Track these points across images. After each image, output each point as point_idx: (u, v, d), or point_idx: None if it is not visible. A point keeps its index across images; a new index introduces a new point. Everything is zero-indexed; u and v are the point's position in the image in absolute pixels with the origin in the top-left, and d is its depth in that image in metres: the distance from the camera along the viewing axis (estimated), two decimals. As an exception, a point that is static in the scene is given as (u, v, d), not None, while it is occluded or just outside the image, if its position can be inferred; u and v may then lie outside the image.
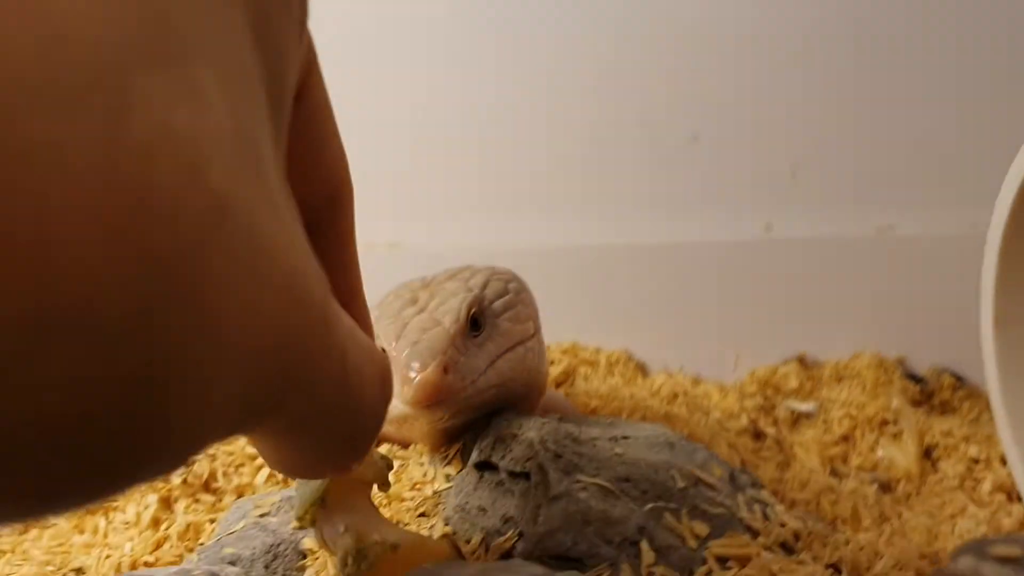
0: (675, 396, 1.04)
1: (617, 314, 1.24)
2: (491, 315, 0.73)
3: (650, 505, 0.58)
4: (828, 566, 0.58)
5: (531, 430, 0.66)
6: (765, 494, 0.66)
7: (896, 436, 1.05)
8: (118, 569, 0.79)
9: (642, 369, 1.23)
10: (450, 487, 0.76)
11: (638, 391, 1.05)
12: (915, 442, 1.01)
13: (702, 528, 0.58)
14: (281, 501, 0.74)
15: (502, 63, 1.25)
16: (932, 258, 1.16)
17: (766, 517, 0.61)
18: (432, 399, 0.65)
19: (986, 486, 0.95)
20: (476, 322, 0.71)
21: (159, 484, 0.83)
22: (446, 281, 0.76)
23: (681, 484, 0.61)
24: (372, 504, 0.62)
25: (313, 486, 0.57)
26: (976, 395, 1.15)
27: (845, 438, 1.08)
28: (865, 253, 1.17)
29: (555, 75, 1.23)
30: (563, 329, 1.24)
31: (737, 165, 1.20)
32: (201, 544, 0.81)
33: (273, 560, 0.66)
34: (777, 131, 1.18)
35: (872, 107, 1.16)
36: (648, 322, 1.23)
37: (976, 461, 0.99)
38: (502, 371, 0.73)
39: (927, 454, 1.02)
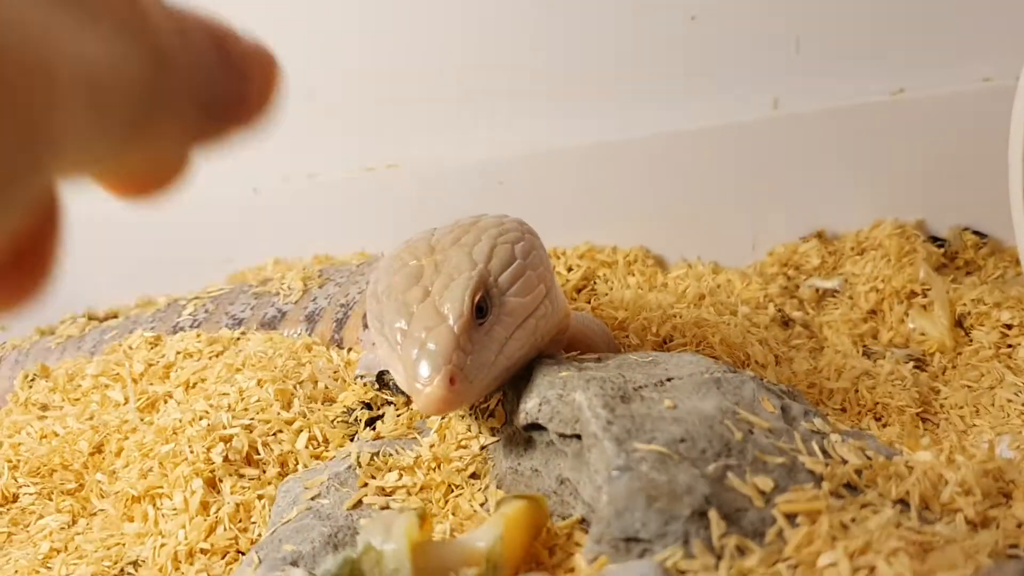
0: (701, 297, 1.03)
1: (630, 211, 1.21)
2: (497, 294, 0.71)
3: (711, 466, 0.57)
4: (896, 502, 0.58)
5: (576, 390, 0.65)
6: (819, 422, 0.65)
7: (926, 307, 1.03)
8: (175, 559, 0.79)
9: (661, 264, 1.21)
10: (496, 441, 0.75)
11: (663, 296, 1.03)
12: (946, 313, 1.00)
13: (766, 483, 0.57)
14: (329, 479, 0.74)
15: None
16: (945, 117, 1.12)
17: (826, 454, 0.60)
18: (441, 411, 0.67)
19: (1022, 352, 0.94)
20: (481, 308, 0.69)
21: (201, 466, 0.83)
22: (451, 247, 0.74)
23: (738, 435, 0.60)
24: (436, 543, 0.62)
25: None
26: (1000, 250, 1.14)
27: (873, 312, 1.07)
28: (876, 119, 1.13)
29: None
30: (576, 232, 1.21)
31: (738, 43, 1.14)
32: (253, 523, 0.81)
33: (334, 551, 0.66)
34: (777, 3, 1.12)
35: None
36: (662, 215, 1.21)
37: (1009, 327, 0.98)
38: (512, 353, 0.71)
39: (959, 323, 1.01)
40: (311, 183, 1.27)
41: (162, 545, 0.80)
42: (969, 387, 0.92)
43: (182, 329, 1.11)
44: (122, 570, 0.80)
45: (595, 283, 1.16)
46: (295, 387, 0.91)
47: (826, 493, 0.56)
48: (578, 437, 0.65)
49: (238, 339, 1.06)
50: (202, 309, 1.13)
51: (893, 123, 1.13)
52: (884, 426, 0.88)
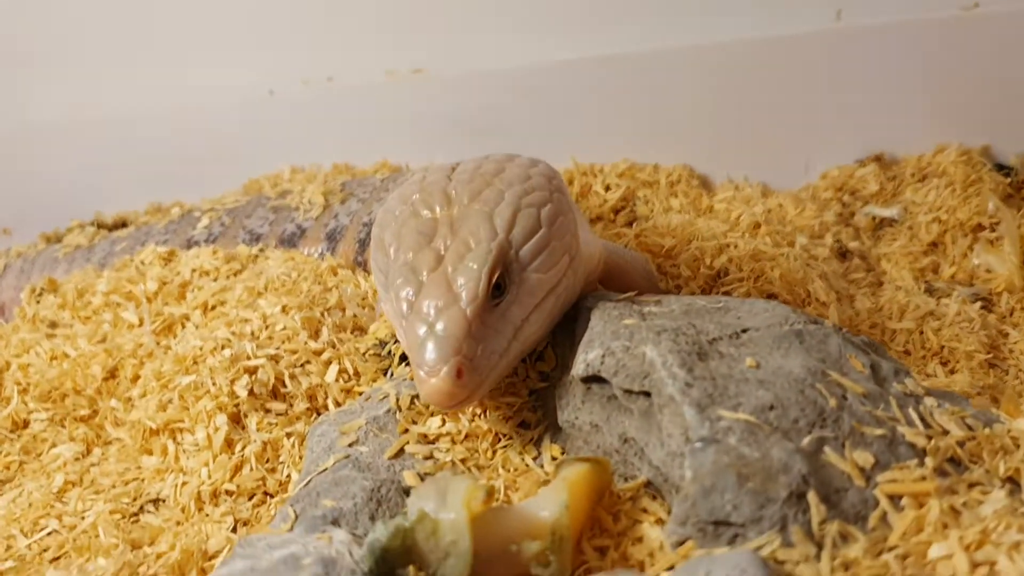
0: (756, 226, 0.96)
1: (674, 126, 1.13)
2: (517, 270, 0.63)
3: (806, 439, 0.51)
4: (1006, 480, 0.52)
5: (647, 343, 0.59)
6: (910, 382, 0.59)
7: (993, 242, 0.97)
8: (198, 498, 0.74)
9: (705, 184, 1.14)
10: (546, 386, 0.70)
11: (714, 223, 0.96)
12: (1016, 249, 0.94)
13: (867, 458, 0.51)
14: (367, 424, 0.68)
15: None
16: (1019, 33, 1.03)
17: (925, 423, 0.55)
18: (445, 405, 0.60)
19: (1100, 294, 0.88)
20: (499, 286, 0.62)
21: (224, 400, 0.77)
22: (470, 202, 0.66)
23: (832, 402, 0.54)
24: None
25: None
26: (1072, 179, 1.06)
27: (934, 245, 1.00)
28: (946, 35, 1.05)
29: None
30: (616, 148, 1.13)
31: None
32: (282, 463, 0.76)
33: (377, 508, 0.60)
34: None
35: None
36: (709, 132, 1.13)
37: (1086, 265, 0.92)
38: (528, 337, 0.64)
39: (1028, 260, 0.95)
40: (330, 87, 1.19)
41: (184, 484, 0.75)
42: None
43: (196, 244, 1.05)
44: (142, 508, 0.76)
45: (635, 204, 1.09)
46: (322, 315, 0.86)
47: (932, 473, 0.51)
48: (646, 394, 0.59)
49: (256, 257, 1.00)
50: (217, 222, 1.06)
51: (964, 40, 1.05)
52: (951, 372, 0.82)
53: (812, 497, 0.48)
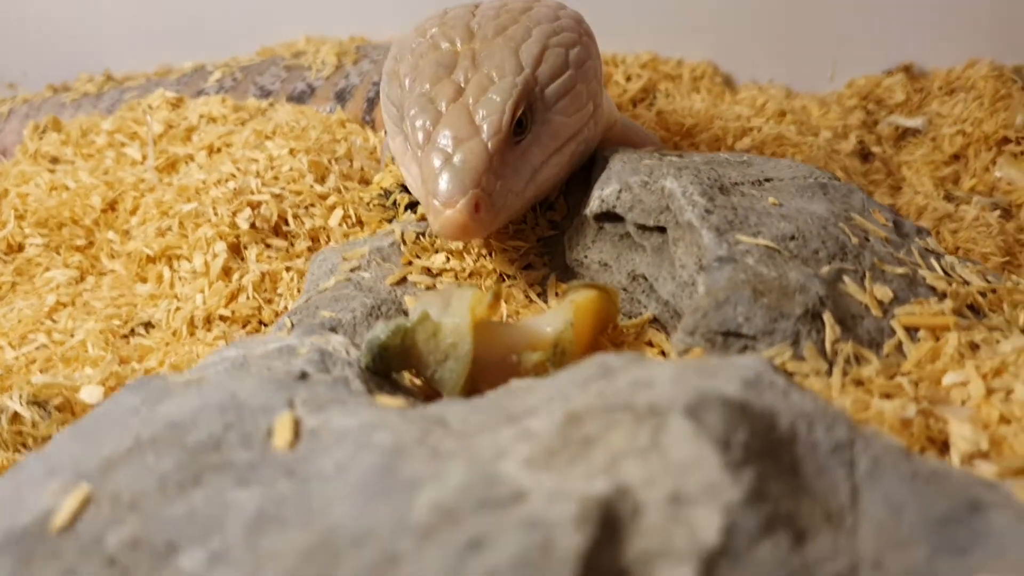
0: (782, 114, 0.94)
1: (700, 21, 1.10)
2: (542, 109, 0.61)
3: (826, 268, 0.50)
4: (1024, 331, 0.51)
5: (667, 177, 0.57)
6: (932, 242, 0.58)
7: (1017, 156, 0.95)
8: (191, 323, 0.72)
9: (728, 83, 1.11)
10: (556, 233, 0.68)
11: (740, 108, 0.94)
12: (1042, 162, 0.92)
13: (885, 293, 0.50)
14: (371, 253, 0.67)
15: None
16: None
17: (947, 273, 0.53)
18: (458, 238, 0.58)
19: (1123, 211, 0.87)
20: (521, 123, 0.59)
21: (225, 229, 0.76)
22: (494, 36, 0.63)
23: (854, 240, 0.52)
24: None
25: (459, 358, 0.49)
26: (1104, 106, 1.04)
27: (956, 157, 0.98)
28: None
29: None
30: (641, 38, 1.11)
31: None
32: (279, 294, 0.74)
33: (376, 322, 0.59)
34: None
35: None
36: (735, 29, 1.10)
37: (1106, 183, 0.90)
38: (545, 181, 0.62)
39: (1053, 175, 0.93)
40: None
41: (177, 309, 0.74)
42: None
43: (207, 95, 1.03)
44: (132, 330, 0.74)
45: (655, 97, 1.06)
46: (330, 162, 0.84)
47: (951, 311, 0.49)
48: (660, 230, 0.57)
49: (266, 109, 0.98)
50: (229, 77, 1.04)
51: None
52: (966, 274, 0.81)
53: (828, 317, 0.47)
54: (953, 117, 1.00)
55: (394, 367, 0.50)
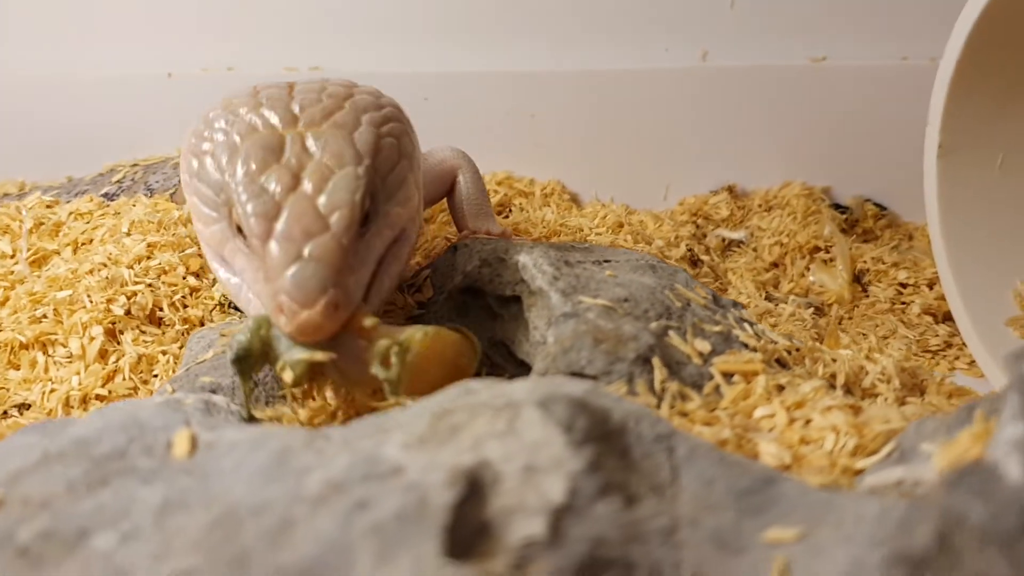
0: (620, 225, 1.04)
1: (550, 144, 1.22)
2: (382, 200, 0.59)
3: (654, 324, 0.58)
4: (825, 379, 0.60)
5: (521, 253, 0.65)
6: (747, 313, 0.67)
7: (827, 262, 1.08)
8: (67, 403, 0.75)
9: (575, 200, 1.22)
10: (423, 314, 0.74)
11: (583, 220, 1.04)
12: (847, 267, 1.05)
13: (704, 345, 0.58)
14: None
15: None
16: (861, 89, 1.17)
17: (758, 335, 0.62)
18: (314, 338, 0.52)
19: (915, 309, 0.99)
20: (367, 215, 0.57)
21: (101, 316, 0.79)
22: (322, 123, 0.60)
23: (678, 304, 0.61)
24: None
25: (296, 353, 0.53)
26: (896, 224, 1.19)
27: (775, 265, 1.10)
28: (797, 83, 1.17)
29: None
30: (497, 159, 1.21)
31: (677, -10, 1.17)
32: (156, 376, 0.78)
33: (254, 388, 0.63)
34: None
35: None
36: (580, 152, 1.22)
37: (905, 286, 1.03)
38: (395, 273, 0.62)
39: (857, 279, 1.06)
40: (230, 75, 1.23)
41: (52, 391, 0.76)
42: (864, 335, 0.96)
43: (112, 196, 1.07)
44: (5, 412, 0.76)
45: (510, 210, 1.16)
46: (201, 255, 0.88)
47: (761, 360, 0.58)
48: (516, 299, 0.64)
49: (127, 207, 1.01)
50: (129, 178, 1.08)
51: (812, 89, 1.18)
52: (784, 360, 0.91)
53: (656, 361, 0.55)
54: (771, 230, 1.13)
55: (256, 364, 0.54)
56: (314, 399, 0.59)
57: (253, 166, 0.56)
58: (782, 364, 0.60)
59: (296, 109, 0.61)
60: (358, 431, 0.42)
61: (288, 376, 0.53)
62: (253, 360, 0.53)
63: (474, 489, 0.35)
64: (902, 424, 0.51)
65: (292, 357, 0.53)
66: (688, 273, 0.69)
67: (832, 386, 0.60)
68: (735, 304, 0.68)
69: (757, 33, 1.17)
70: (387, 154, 0.61)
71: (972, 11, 0.85)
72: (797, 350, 0.62)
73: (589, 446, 0.37)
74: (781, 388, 0.56)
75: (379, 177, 0.59)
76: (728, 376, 0.56)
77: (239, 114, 0.61)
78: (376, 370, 0.52)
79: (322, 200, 0.55)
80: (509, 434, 0.38)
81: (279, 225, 0.54)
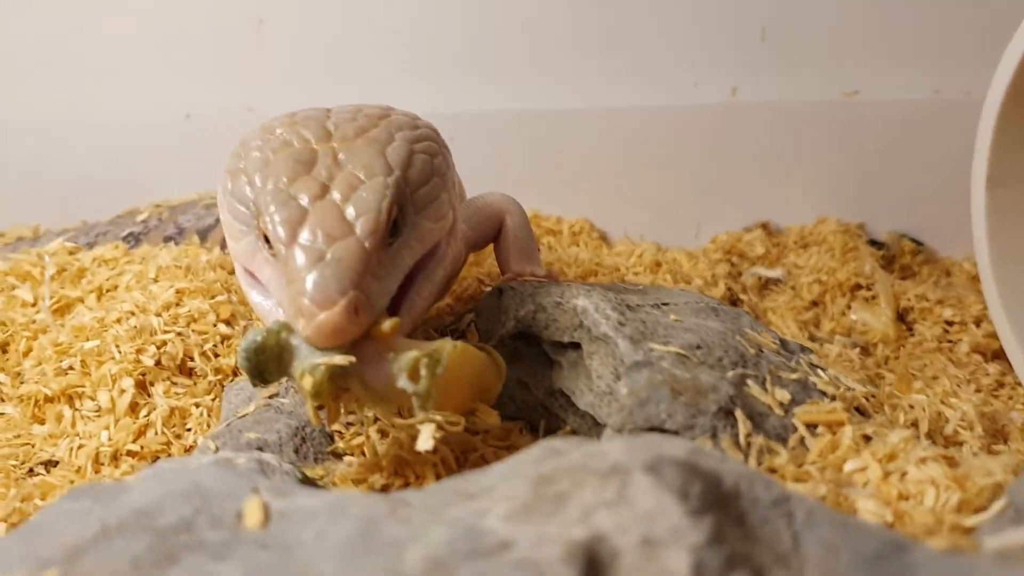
0: (657, 264, 1.01)
1: (578, 182, 1.19)
2: (412, 211, 0.58)
3: (731, 372, 0.55)
4: (907, 426, 0.57)
5: (578, 297, 0.62)
6: (816, 358, 0.64)
7: (869, 300, 1.05)
8: (96, 460, 0.71)
9: (604, 238, 1.19)
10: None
11: (619, 259, 1.01)
12: (891, 305, 1.02)
13: (784, 395, 0.55)
14: (288, 381, 0.68)
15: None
16: (895, 123, 1.15)
17: (835, 382, 0.59)
18: (334, 342, 0.50)
19: (963, 347, 0.96)
20: (395, 224, 0.56)
21: (131, 367, 0.75)
22: (355, 138, 0.59)
23: (752, 350, 0.58)
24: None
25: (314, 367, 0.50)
26: (934, 259, 1.17)
27: (815, 303, 1.08)
28: (829, 118, 1.15)
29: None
30: (524, 197, 1.17)
31: (705, 26, 1.15)
32: (189, 430, 0.74)
33: (302, 444, 0.60)
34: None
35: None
36: (609, 190, 1.19)
37: (951, 323, 1.00)
38: (420, 292, 0.60)
39: (901, 317, 1.03)
40: (249, 116, 1.20)
41: (80, 446, 0.73)
42: (914, 375, 0.93)
43: (135, 236, 1.04)
44: (31, 470, 0.72)
45: (539, 249, 1.13)
46: (231, 301, 0.85)
47: (843, 409, 0.55)
48: (575, 346, 0.61)
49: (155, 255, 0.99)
50: (156, 217, 1.05)
51: (845, 124, 1.15)
52: (834, 401, 0.88)
53: (739, 414, 0.52)
54: (809, 267, 1.10)
55: (272, 369, 0.51)
56: (338, 417, 0.54)
57: (284, 178, 0.56)
58: (862, 412, 0.57)
59: (331, 127, 0.61)
60: (440, 497, 0.39)
61: (308, 383, 0.50)
62: (267, 361, 0.51)
63: (593, 569, 0.32)
64: (1005, 476, 0.48)
65: (312, 361, 0.50)
66: (750, 316, 0.66)
67: (916, 432, 0.57)
68: (802, 348, 0.65)
69: (787, 68, 1.15)
70: (420, 168, 0.60)
71: (1020, 43, 0.82)
72: (874, 396, 0.59)
73: (708, 515, 0.34)
74: (868, 439, 0.53)
75: (409, 189, 0.58)
76: (811, 427, 0.53)
77: (275, 133, 0.61)
78: (404, 383, 0.49)
79: (348, 207, 0.54)
80: (620, 503, 0.34)
81: (303, 230, 0.53)
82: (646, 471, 0.36)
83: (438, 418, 0.49)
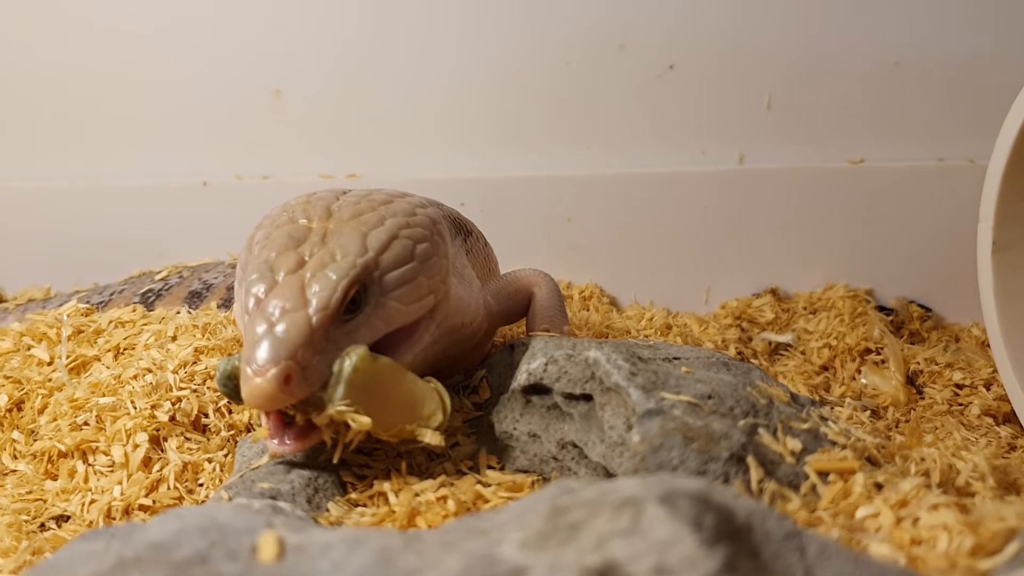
0: (668, 327, 1.02)
1: (588, 247, 1.21)
2: (377, 292, 0.61)
3: (742, 421, 0.55)
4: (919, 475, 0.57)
5: (590, 349, 0.62)
6: (826, 411, 0.64)
7: (879, 364, 1.05)
8: (108, 514, 0.71)
9: (614, 303, 1.20)
10: (480, 415, 0.71)
11: (629, 321, 1.02)
12: (901, 369, 1.02)
13: (796, 444, 0.55)
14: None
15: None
16: (900, 190, 1.17)
17: (846, 433, 0.59)
18: (262, 407, 0.56)
19: (974, 410, 0.96)
20: (355, 302, 0.59)
21: (146, 422, 0.76)
22: (349, 219, 0.64)
23: (763, 401, 0.58)
24: None
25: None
26: (943, 325, 1.17)
27: (825, 367, 1.08)
28: (836, 185, 1.17)
29: (529, 1, 1.18)
30: (533, 262, 1.19)
31: (713, 95, 1.17)
32: (201, 485, 0.74)
33: (315, 494, 0.60)
34: (753, 59, 1.16)
35: (846, 40, 1.16)
36: (618, 255, 1.21)
37: (961, 387, 1.00)
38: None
39: (910, 381, 1.03)
40: (265, 184, 1.23)
41: (92, 501, 0.73)
42: (941, 438, 0.93)
43: (154, 294, 1.05)
44: (42, 525, 0.72)
45: (568, 320, 1.14)
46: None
47: (854, 457, 0.55)
48: (587, 398, 0.62)
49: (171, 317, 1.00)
50: (176, 275, 1.07)
51: (851, 191, 1.17)
52: (846, 463, 0.87)
53: (751, 460, 0.52)
54: (819, 332, 1.11)
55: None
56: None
57: (273, 252, 0.61)
58: (873, 462, 0.57)
59: (335, 208, 0.66)
60: (455, 533, 0.39)
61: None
62: (238, 385, 0.57)
63: (606, 592, 0.32)
64: (1018, 522, 0.47)
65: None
66: (760, 370, 0.67)
67: (929, 485, 0.57)
68: (813, 402, 0.65)
69: (793, 135, 1.17)
70: (397, 251, 0.63)
71: (1021, 110, 0.84)
72: (885, 447, 0.59)
73: (722, 545, 0.34)
74: (880, 486, 0.53)
75: (380, 271, 0.61)
76: (823, 475, 0.53)
77: (287, 210, 0.66)
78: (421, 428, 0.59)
79: (313, 284, 0.58)
80: (634, 532, 0.35)
81: (268, 301, 0.58)
82: (660, 502, 0.36)
83: (354, 419, 0.56)
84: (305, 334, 0.56)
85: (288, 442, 0.59)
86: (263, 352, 0.55)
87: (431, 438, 0.59)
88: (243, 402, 0.56)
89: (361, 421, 0.56)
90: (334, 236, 0.62)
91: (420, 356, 0.65)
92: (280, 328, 0.56)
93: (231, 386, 0.58)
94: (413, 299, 0.63)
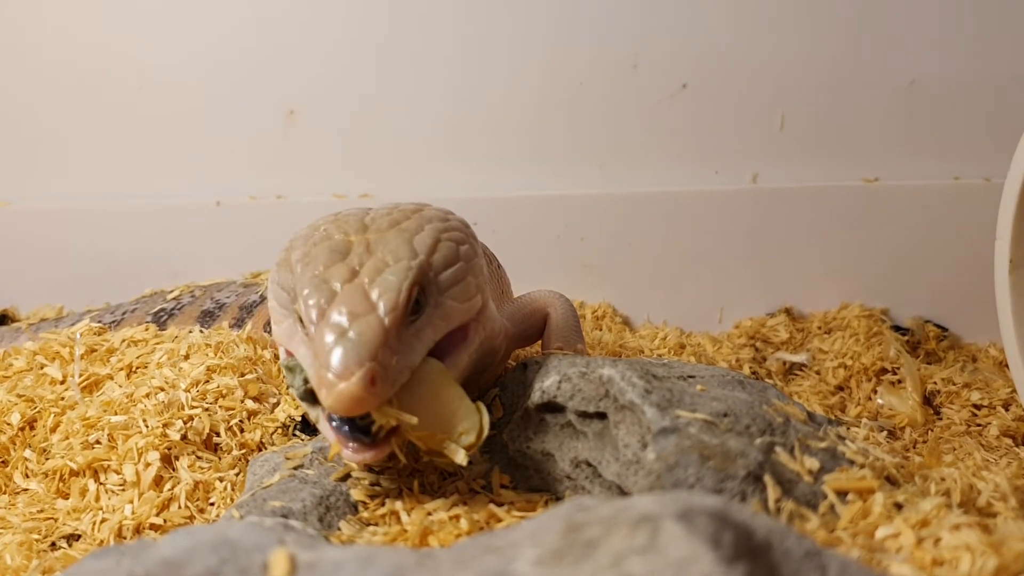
0: (681, 346, 1.01)
1: (601, 267, 1.20)
2: (435, 292, 0.62)
3: (759, 440, 0.54)
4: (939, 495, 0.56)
5: (604, 367, 0.62)
6: (843, 430, 0.63)
7: (895, 384, 1.04)
8: (119, 533, 0.71)
9: (627, 323, 1.20)
10: (494, 433, 0.71)
11: (643, 341, 1.01)
12: (917, 389, 1.01)
13: (813, 463, 0.54)
14: (314, 453, 0.68)
15: (492, 7, 1.19)
16: (915, 209, 1.16)
17: (864, 452, 0.58)
18: (352, 412, 0.55)
19: (992, 431, 0.95)
20: (418, 303, 0.60)
21: (157, 441, 0.76)
22: (388, 229, 0.64)
23: (779, 419, 0.58)
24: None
25: None
26: (959, 345, 1.16)
27: (841, 388, 1.07)
28: (850, 204, 1.17)
29: (542, 21, 1.18)
30: (546, 282, 1.19)
31: (726, 114, 1.17)
32: (212, 504, 0.74)
33: (327, 512, 0.60)
34: (766, 78, 1.15)
35: (861, 58, 1.15)
36: (631, 275, 1.20)
37: (979, 407, 0.99)
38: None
39: (927, 401, 1.02)
40: (278, 204, 1.23)
41: (103, 520, 0.72)
42: (962, 458, 0.92)
43: (166, 312, 1.05)
44: (53, 544, 0.72)
45: (584, 340, 1.13)
46: (259, 379, 0.86)
47: (873, 476, 0.54)
48: (601, 416, 0.61)
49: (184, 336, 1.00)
50: (188, 295, 1.06)
51: (866, 209, 1.16)
52: (863, 484, 0.86)
53: (768, 479, 0.51)
54: (834, 352, 1.10)
55: None
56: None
57: (320, 266, 0.61)
58: (892, 482, 0.57)
59: (368, 221, 0.66)
60: (468, 551, 0.39)
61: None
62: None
63: (624, 610, 0.31)
64: (1044, 545, 0.47)
65: None
66: (776, 389, 0.66)
67: (950, 504, 0.56)
68: (830, 420, 0.64)
69: (807, 155, 1.17)
70: (444, 253, 0.64)
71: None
72: (903, 466, 0.58)
73: (741, 563, 0.34)
74: (899, 506, 0.52)
75: (434, 271, 0.62)
76: (842, 495, 0.53)
77: (319, 229, 0.66)
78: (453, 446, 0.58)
79: (374, 289, 0.59)
80: (651, 550, 0.34)
81: (332, 310, 0.57)
82: (677, 519, 0.35)
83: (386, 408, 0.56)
84: (381, 336, 0.56)
85: (364, 451, 0.59)
86: (344, 357, 0.54)
87: (458, 456, 0.58)
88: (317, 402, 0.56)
89: (407, 419, 0.56)
90: (379, 245, 0.63)
91: (466, 366, 0.66)
92: (354, 332, 0.56)
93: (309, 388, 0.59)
94: (466, 298, 0.64)
